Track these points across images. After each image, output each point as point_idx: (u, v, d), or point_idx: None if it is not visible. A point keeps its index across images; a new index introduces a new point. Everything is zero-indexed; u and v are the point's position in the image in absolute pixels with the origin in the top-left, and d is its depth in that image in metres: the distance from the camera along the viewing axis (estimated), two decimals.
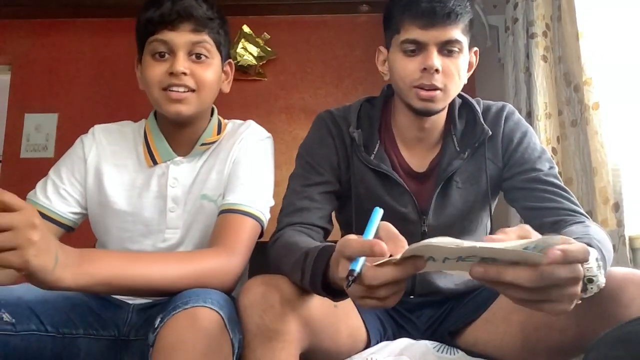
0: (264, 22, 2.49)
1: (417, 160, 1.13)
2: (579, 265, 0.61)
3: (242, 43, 2.41)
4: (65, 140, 2.34)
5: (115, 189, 1.09)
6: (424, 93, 1.02)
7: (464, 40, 1.03)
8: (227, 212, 1.02)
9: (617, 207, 1.42)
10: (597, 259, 0.73)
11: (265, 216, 1.07)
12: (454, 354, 1.02)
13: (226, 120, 1.20)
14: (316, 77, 2.47)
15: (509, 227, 1.68)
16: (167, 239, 1.09)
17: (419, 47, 1.01)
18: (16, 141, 2.39)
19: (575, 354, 0.92)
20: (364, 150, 1.10)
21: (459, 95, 1.16)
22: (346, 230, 1.20)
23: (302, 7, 2.46)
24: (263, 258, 1.02)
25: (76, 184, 1.10)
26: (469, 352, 1.03)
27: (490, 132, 1.09)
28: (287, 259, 0.89)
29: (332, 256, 0.77)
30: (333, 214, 1.15)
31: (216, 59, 1.08)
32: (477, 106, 1.13)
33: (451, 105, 1.13)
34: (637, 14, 1.54)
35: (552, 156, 1.27)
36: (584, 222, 0.95)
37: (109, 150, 1.12)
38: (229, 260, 0.93)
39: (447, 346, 1.04)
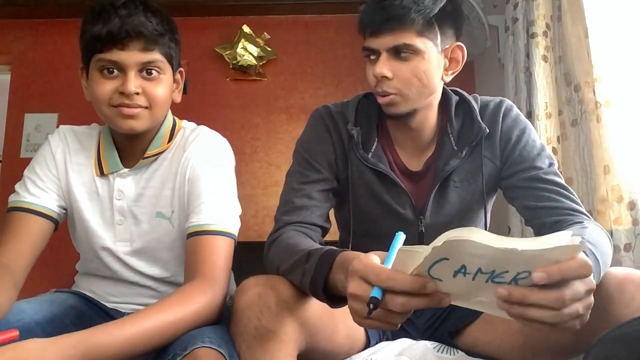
0: (264, 22, 2.49)
1: (412, 159, 1.13)
2: (591, 277, 0.62)
3: (242, 43, 2.41)
4: None
5: (78, 188, 1.09)
6: (380, 99, 1.04)
7: (422, 42, 0.99)
8: (196, 234, 0.99)
9: (632, 205, 1.40)
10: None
11: (236, 228, 1.04)
12: (454, 354, 1.02)
13: (182, 123, 1.15)
14: (316, 77, 2.47)
15: (508, 226, 1.68)
16: (119, 249, 1.08)
17: (374, 54, 1.03)
18: (16, 141, 2.39)
19: (575, 354, 0.92)
20: (361, 148, 1.09)
21: (456, 92, 1.15)
22: (343, 229, 1.20)
23: (302, 7, 2.46)
24: (260, 258, 1.02)
25: (52, 178, 1.09)
26: (468, 353, 1.03)
27: (488, 130, 1.08)
28: (287, 259, 0.89)
29: (338, 265, 0.77)
30: (331, 212, 1.14)
31: (168, 73, 1.05)
32: (474, 103, 1.11)
33: (447, 103, 1.13)
34: None
35: (552, 156, 1.27)
36: (582, 222, 0.94)
37: (73, 149, 1.11)
38: (214, 294, 0.92)
39: (446, 346, 1.03)
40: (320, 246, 0.88)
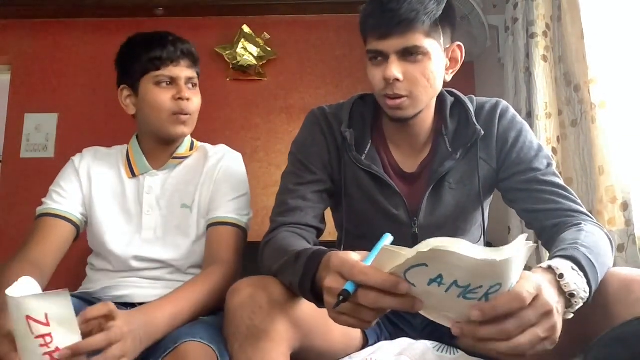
0: (264, 22, 2.49)
1: (407, 160, 1.13)
2: (543, 299, 0.63)
3: (242, 43, 2.41)
4: (65, 140, 2.34)
5: (101, 194, 1.28)
6: (390, 102, 1.03)
7: (430, 43, 1.00)
8: (218, 224, 1.23)
9: (625, 206, 1.40)
10: (572, 270, 0.73)
11: (248, 225, 1.27)
12: (454, 353, 1.02)
13: (198, 143, 1.40)
14: (316, 77, 2.47)
15: (508, 226, 1.68)
16: (143, 238, 1.25)
17: (381, 57, 1.02)
18: (16, 141, 2.38)
19: (577, 354, 0.92)
20: (355, 150, 1.09)
21: (451, 94, 1.15)
22: (339, 229, 1.20)
23: (302, 7, 2.46)
24: (255, 258, 1.03)
25: (75, 189, 1.28)
26: (468, 352, 1.03)
27: (483, 132, 1.07)
28: (279, 260, 0.90)
29: (324, 264, 0.77)
30: (328, 212, 1.15)
31: (199, 88, 1.32)
32: (469, 104, 1.11)
33: (442, 104, 1.13)
34: None
35: (552, 156, 1.27)
36: (580, 224, 0.94)
37: (96, 163, 1.33)
38: (227, 277, 1.12)
39: (446, 346, 1.04)
40: (311, 247, 0.88)
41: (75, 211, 1.25)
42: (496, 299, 0.60)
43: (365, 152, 1.10)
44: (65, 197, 1.26)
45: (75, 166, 1.31)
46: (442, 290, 0.60)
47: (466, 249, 0.57)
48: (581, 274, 0.74)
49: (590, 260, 0.78)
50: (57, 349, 0.76)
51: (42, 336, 0.75)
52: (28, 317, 0.74)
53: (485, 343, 0.62)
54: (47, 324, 0.75)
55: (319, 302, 0.80)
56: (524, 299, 0.61)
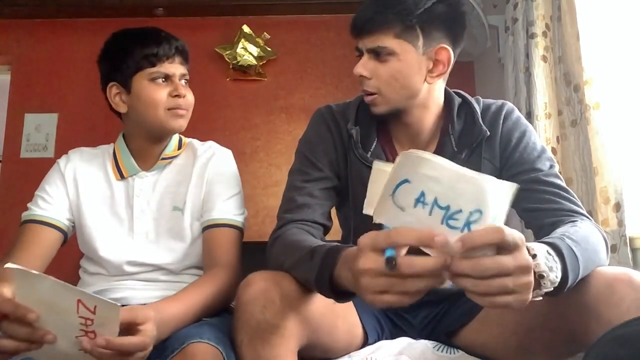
0: (264, 22, 2.49)
1: None
2: (524, 254, 0.62)
3: (242, 43, 2.41)
4: (65, 140, 2.34)
5: (89, 198, 1.24)
6: (365, 97, 1.09)
7: (400, 45, 1.02)
8: (214, 226, 1.20)
9: (618, 207, 1.41)
10: (548, 254, 0.74)
11: (244, 225, 1.25)
12: (454, 353, 1.02)
13: (187, 139, 1.35)
14: (316, 77, 2.47)
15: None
16: (135, 242, 1.22)
17: (360, 54, 1.07)
18: (16, 141, 2.38)
19: (569, 353, 0.93)
20: (361, 147, 1.10)
21: (459, 95, 1.16)
22: (345, 227, 1.20)
23: (302, 7, 2.46)
24: (259, 257, 1.03)
25: (61, 194, 1.24)
26: (468, 352, 1.03)
27: (489, 133, 1.08)
28: (291, 256, 0.90)
29: (343, 259, 0.77)
30: (333, 210, 1.15)
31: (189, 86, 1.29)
32: (476, 105, 1.12)
33: (450, 105, 1.13)
34: (638, 13, 1.54)
35: (553, 158, 1.28)
36: (576, 221, 0.94)
37: (83, 166, 1.28)
38: (230, 279, 1.12)
39: (446, 346, 1.04)
40: (324, 243, 0.89)
41: (61, 217, 1.22)
42: (474, 231, 0.60)
43: (371, 150, 1.11)
44: (50, 203, 1.22)
45: (61, 170, 1.26)
46: (427, 212, 0.61)
47: (443, 159, 0.59)
48: (557, 259, 0.74)
49: (573, 251, 0.78)
50: (94, 332, 0.76)
51: (85, 318, 0.76)
52: (79, 301, 0.75)
53: (459, 279, 0.62)
54: (93, 312, 0.75)
55: (337, 296, 0.80)
56: (502, 231, 0.60)
